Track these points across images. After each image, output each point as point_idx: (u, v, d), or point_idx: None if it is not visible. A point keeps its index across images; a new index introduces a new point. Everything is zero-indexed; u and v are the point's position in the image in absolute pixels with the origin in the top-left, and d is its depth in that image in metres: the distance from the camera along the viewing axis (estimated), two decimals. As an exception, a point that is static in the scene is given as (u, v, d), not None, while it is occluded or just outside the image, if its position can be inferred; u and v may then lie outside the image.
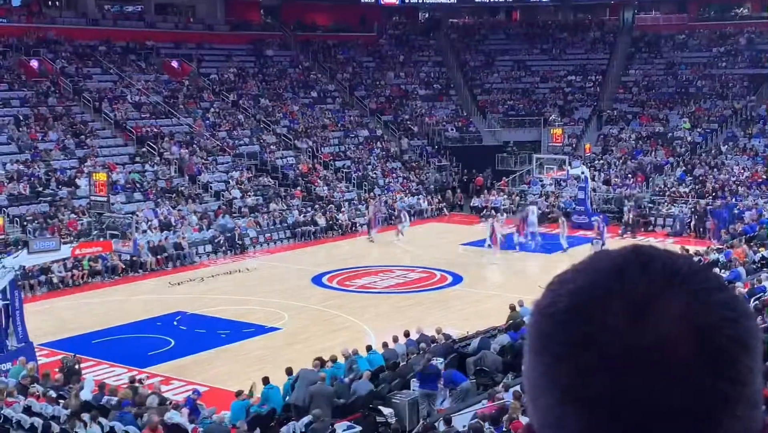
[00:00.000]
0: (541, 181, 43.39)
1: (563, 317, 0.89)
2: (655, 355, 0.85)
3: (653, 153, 45.66)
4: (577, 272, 0.93)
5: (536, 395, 0.91)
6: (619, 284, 0.89)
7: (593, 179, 41.29)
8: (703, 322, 0.87)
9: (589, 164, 42.82)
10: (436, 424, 14.46)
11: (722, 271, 24.41)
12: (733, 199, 38.47)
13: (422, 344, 19.10)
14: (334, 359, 18.00)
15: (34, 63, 43.33)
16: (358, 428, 15.50)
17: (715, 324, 0.87)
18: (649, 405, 0.84)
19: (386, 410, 16.36)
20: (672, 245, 31.66)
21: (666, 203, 39.86)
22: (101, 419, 15.05)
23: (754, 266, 25.76)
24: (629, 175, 43.24)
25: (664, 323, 0.86)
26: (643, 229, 37.54)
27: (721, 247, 30.02)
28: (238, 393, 16.70)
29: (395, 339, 19.63)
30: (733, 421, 0.86)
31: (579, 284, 0.91)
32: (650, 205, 39.87)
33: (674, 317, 0.86)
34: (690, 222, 37.02)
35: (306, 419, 15.20)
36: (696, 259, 1.03)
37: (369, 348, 19.12)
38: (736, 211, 36.60)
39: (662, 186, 42.04)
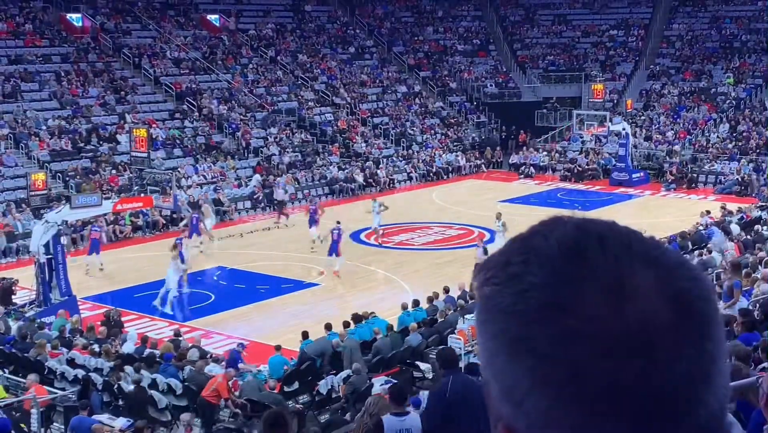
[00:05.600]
0: (581, 137, 42.96)
1: (539, 315, 0.84)
2: (643, 335, 0.83)
3: (696, 109, 44.97)
4: (526, 263, 0.87)
5: (521, 397, 0.85)
6: (585, 270, 0.85)
7: (635, 135, 40.78)
8: (675, 289, 0.85)
9: (630, 120, 42.28)
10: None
11: (764, 228, 24.05)
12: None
13: (460, 301, 19.15)
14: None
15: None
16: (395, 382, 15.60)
17: (684, 288, 0.86)
18: (650, 386, 0.82)
19: (423, 366, 16.46)
20: (713, 202, 31.33)
21: (709, 160, 39.32)
22: (143, 371, 15.30)
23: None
24: (671, 132, 42.69)
25: (642, 300, 0.84)
26: (685, 186, 37.11)
27: (764, 204, 29.61)
28: (277, 348, 16.88)
29: (436, 295, 19.70)
30: (721, 377, 0.87)
31: (543, 276, 0.86)
32: (692, 162, 39.36)
33: (648, 291, 0.84)
34: (742, 178, 36.40)
35: (344, 373, 15.33)
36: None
37: (416, 303, 19.16)
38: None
39: (705, 143, 41.43)
